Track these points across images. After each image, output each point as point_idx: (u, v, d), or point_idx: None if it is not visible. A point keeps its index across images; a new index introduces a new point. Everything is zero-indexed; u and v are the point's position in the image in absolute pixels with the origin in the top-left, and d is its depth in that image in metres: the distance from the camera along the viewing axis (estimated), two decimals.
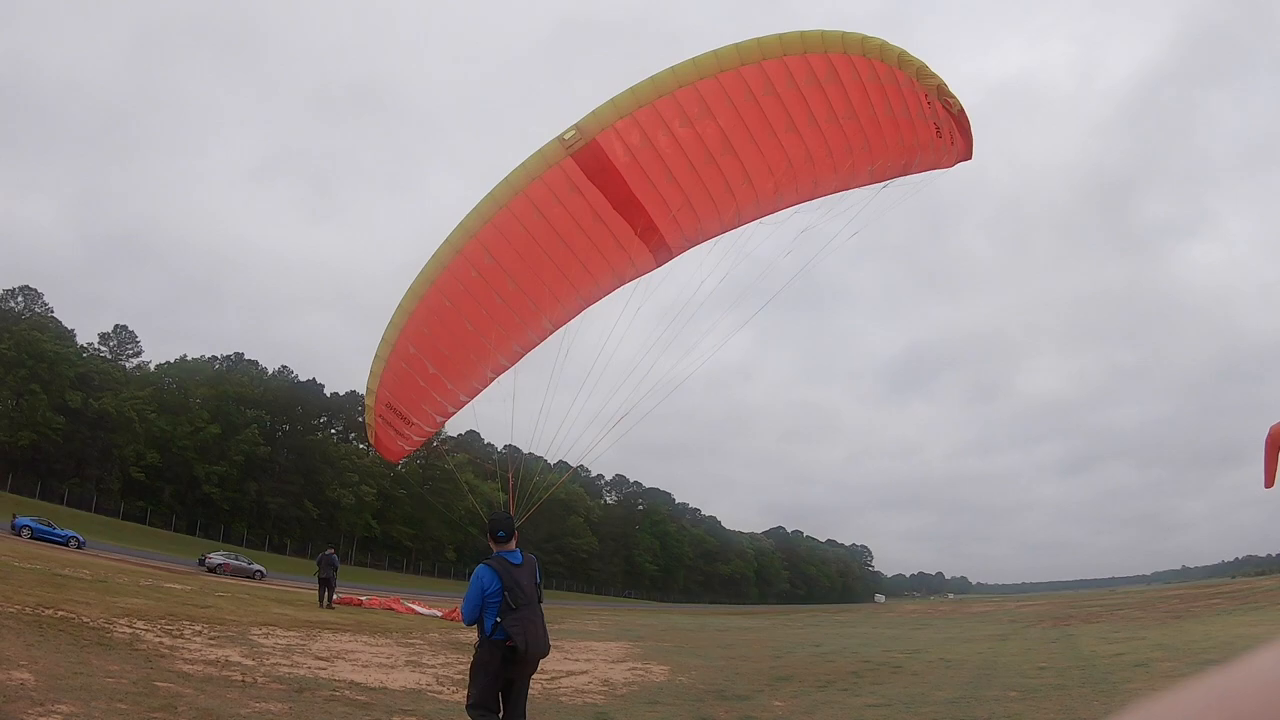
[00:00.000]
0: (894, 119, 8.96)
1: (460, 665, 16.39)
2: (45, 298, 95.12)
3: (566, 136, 9.18)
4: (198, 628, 17.60)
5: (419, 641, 21.87)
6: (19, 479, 79.49)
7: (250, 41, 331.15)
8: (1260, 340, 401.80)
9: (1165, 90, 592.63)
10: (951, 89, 8.41)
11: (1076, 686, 14.50)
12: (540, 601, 7.78)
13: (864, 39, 8.58)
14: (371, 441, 11.21)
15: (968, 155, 9.17)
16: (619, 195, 9.42)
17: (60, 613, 15.58)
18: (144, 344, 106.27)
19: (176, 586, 29.29)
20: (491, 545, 7.86)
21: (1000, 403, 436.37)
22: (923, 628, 40.21)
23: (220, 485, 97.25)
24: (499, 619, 7.36)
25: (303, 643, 18.00)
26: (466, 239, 9.66)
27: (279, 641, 17.57)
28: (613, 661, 20.73)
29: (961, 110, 8.53)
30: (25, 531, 49.94)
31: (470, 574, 7.82)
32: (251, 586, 39.19)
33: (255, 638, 17.63)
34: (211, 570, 54.18)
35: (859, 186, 9.74)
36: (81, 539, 52.97)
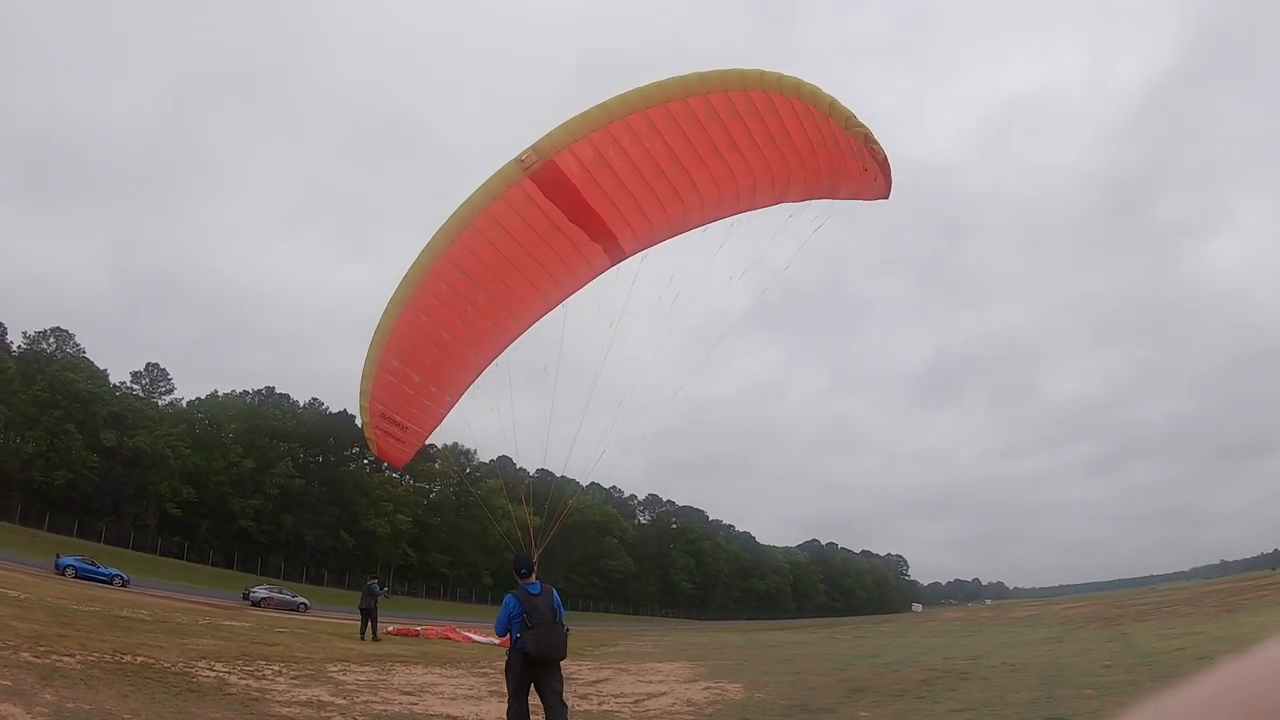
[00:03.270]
0: (825, 148, 10.05)
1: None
2: (76, 338, 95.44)
3: (524, 159, 10.05)
4: (275, 667, 16.99)
5: (491, 670, 21.22)
6: (56, 518, 79.54)
7: (283, 89, 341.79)
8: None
9: (1175, 92, 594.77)
10: (876, 137, 9.50)
11: (1148, 682, 14.66)
12: (557, 622, 9.75)
13: (799, 84, 9.74)
14: (375, 452, 11.79)
15: (885, 195, 10.22)
16: (575, 207, 10.34)
17: (139, 658, 15.08)
18: (175, 381, 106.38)
19: (235, 624, 28.73)
20: (517, 579, 9.95)
21: (1027, 406, 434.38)
22: (972, 635, 39.95)
23: (256, 519, 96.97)
24: (520, 634, 9.51)
25: (382, 678, 17.50)
26: (436, 258, 10.50)
27: (359, 678, 16.97)
28: (685, 682, 20.63)
29: (885, 158, 9.64)
30: (70, 571, 49.77)
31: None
32: (309, 621, 38.50)
33: (335, 675, 17.03)
34: (255, 604, 53.82)
35: (793, 200, 10.86)
36: (126, 577, 52.79)
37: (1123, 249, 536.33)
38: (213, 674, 14.68)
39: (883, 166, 9.68)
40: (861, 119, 9.60)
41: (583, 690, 17.73)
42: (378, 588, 31.43)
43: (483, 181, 10.36)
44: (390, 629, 34.59)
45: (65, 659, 13.40)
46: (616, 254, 11.03)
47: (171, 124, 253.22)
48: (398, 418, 11.13)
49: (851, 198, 10.51)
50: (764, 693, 17.97)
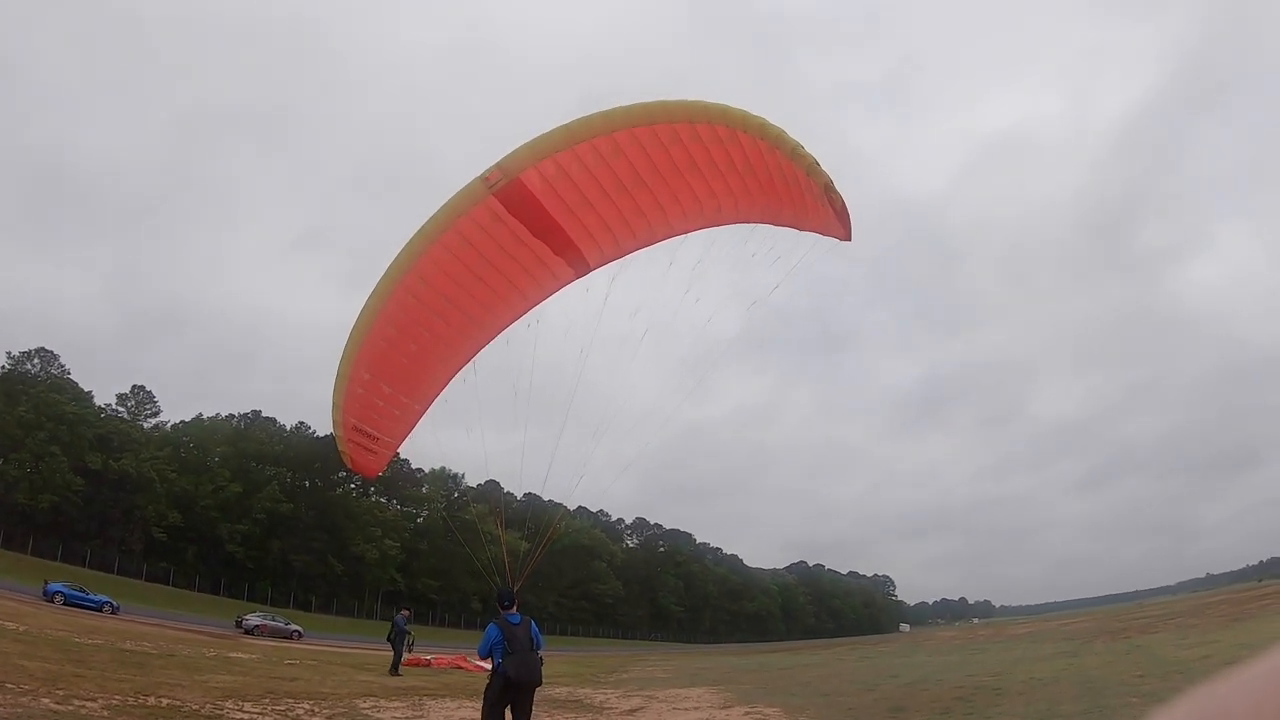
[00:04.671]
0: (785, 182, 10.32)
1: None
2: (61, 359, 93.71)
3: (489, 178, 10.29)
4: (306, 705, 16.36)
5: None
6: (40, 542, 77.62)
7: (291, 124, 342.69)
8: (1263, 348, 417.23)
9: (1154, 123, 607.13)
10: (836, 186, 9.94)
11: (1193, 687, 14.36)
12: (534, 649, 10.71)
13: (764, 124, 10.07)
14: (348, 465, 11.88)
15: (846, 238, 10.55)
16: (539, 223, 10.62)
17: (164, 700, 14.45)
18: (161, 404, 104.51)
19: (242, 656, 27.86)
20: (500, 610, 10.90)
21: (1015, 427, 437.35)
22: (980, 652, 40.04)
23: (244, 544, 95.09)
24: (501, 659, 10.43)
25: (417, 714, 17.07)
26: (404, 273, 10.73)
27: (395, 715, 16.44)
28: (720, 708, 20.47)
29: (843, 205, 10.02)
30: (58, 598, 48.68)
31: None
32: (315, 651, 37.36)
33: (368, 712, 16.39)
34: (248, 632, 52.90)
35: (755, 223, 11.19)
36: (115, 604, 51.72)
37: (1106, 273, 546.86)
38: (244, 715, 14.01)
39: (840, 214, 10.05)
40: (837, 170, 10.11)
41: None
42: (404, 621, 29.74)
43: (448, 199, 10.64)
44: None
45: (88, 703, 12.80)
46: (581, 267, 11.34)
47: (177, 156, 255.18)
48: (369, 429, 11.36)
49: (818, 232, 10.81)
50: (806, 716, 17.86)
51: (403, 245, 10.83)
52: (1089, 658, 26.65)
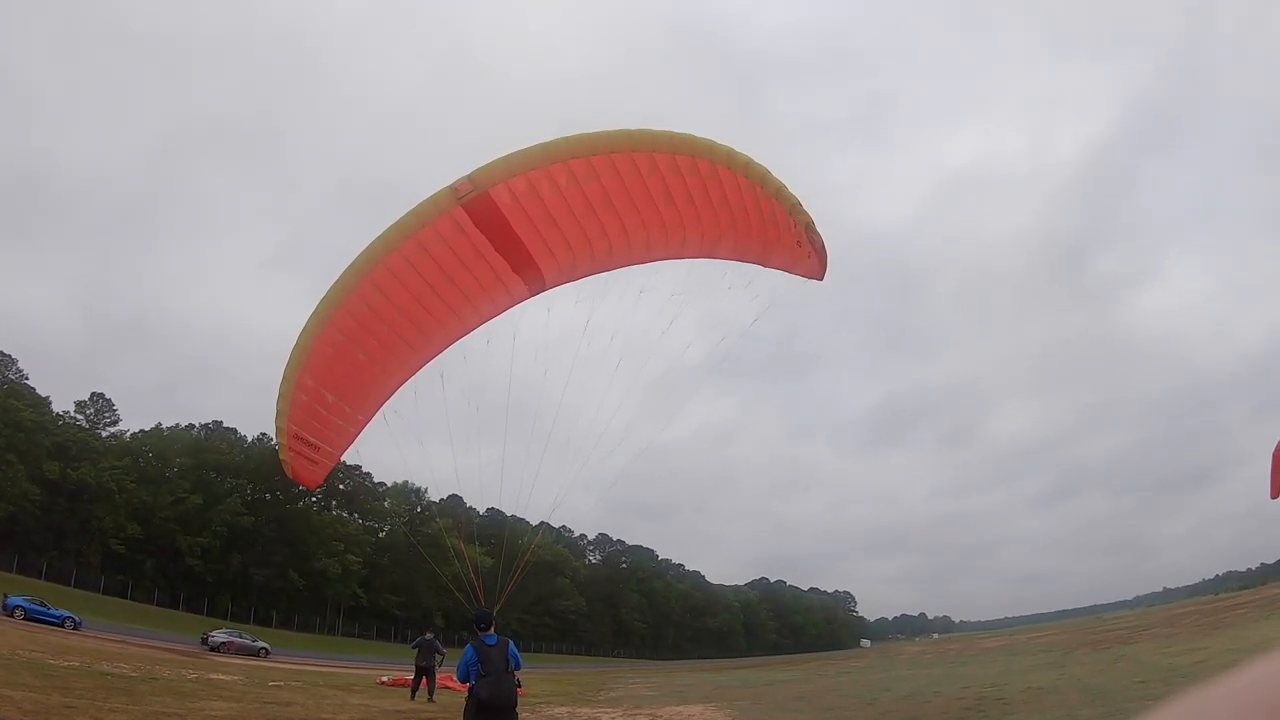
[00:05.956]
0: (760, 220, 10.58)
1: None
2: (20, 364, 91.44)
3: (459, 188, 10.21)
4: None
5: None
6: None
7: (268, 143, 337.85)
8: (1212, 371, 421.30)
9: (1109, 161, 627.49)
10: (816, 226, 10.39)
11: (1173, 697, 14.96)
12: (509, 671, 10.57)
13: (748, 162, 10.28)
14: (289, 474, 11.66)
15: (819, 276, 10.95)
16: (502, 238, 10.59)
17: None
18: (121, 414, 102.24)
19: (225, 678, 27.00)
20: (476, 631, 10.77)
21: (973, 447, 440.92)
22: (961, 665, 40.43)
23: (203, 557, 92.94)
24: (475, 682, 10.38)
25: None
26: (359, 279, 10.56)
27: None
28: None
29: (823, 245, 10.41)
30: (19, 612, 47.13)
31: (461, 642, 11.06)
32: (296, 672, 36.09)
33: None
34: (214, 649, 51.56)
35: (721, 258, 11.43)
36: (78, 619, 50.16)
37: (1062, 302, 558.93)
38: None
39: (820, 253, 10.39)
40: (806, 201, 10.49)
41: None
42: (438, 642, 27.72)
43: (413, 206, 10.53)
44: (384, 679, 32.97)
45: None
46: (537, 285, 11.37)
47: (157, 168, 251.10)
48: (310, 438, 11.17)
49: (783, 269, 11.10)
50: None
51: (360, 250, 10.75)
52: (1077, 667, 26.93)
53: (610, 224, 10.71)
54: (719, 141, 10.43)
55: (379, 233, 10.67)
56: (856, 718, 20.24)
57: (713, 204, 10.52)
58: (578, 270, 11.38)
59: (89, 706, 15.40)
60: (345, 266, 10.78)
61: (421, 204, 10.46)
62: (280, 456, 11.28)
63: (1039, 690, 20.62)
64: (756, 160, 10.36)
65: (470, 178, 10.25)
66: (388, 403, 11.65)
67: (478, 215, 10.31)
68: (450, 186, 10.29)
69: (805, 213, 10.15)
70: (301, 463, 11.21)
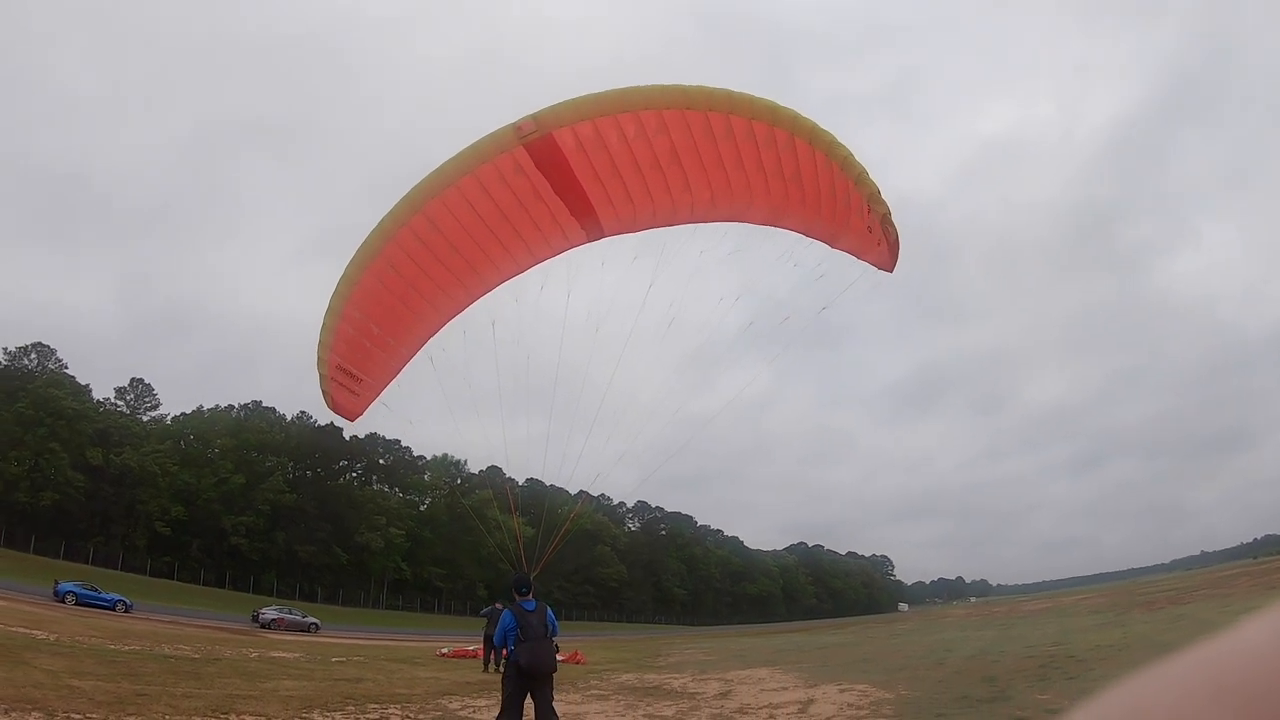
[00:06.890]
0: (834, 200, 10.14)
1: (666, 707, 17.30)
2: (59, 354, 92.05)
3: (522, 126, 9.79)
4: (393, 710, 15.26)
5: (601, 687, 21.13)
6: (42, 541, 76.32)
7: (303, 134, 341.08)
8: (1246, 334, 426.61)
9: (1141, 129, 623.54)
10: (893, 219, 9.80)
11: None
12: (548, 636, 10.68)
13: (832, 143, 9.82)
14: (329, 405, 11.18)
15: (889, 269, 10.40)
16: (563, 182, 10.20)
17: (245, 716, 13.15)
18: (160, 398, 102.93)
19: (287, 655, 26.67)
20: (515, 596, 10.97)
21: (1006, 413, 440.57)
22: (1011, 626, 39.99)
23: (248, 536, 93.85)
24: (514, 646, 10.47)
25: None
26: (413, 212, 10.27)
27: (489, 714, 15.20)
28: (807, 686, 19.99)
29: (897, 238, 9.87)
30: (70, 598, 47.30)
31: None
32: (355, 647, 35.87)
33: (463, 714, 15.28)
34: (265, 626, 51.76)
35: (785, 229, 11.04)
36: (129, 602, 50.41)
37: (1094, 268, 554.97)
38: None
39: (892, 246, 9.95)
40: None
41: (721, 707, 16.61)
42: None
43: (473, 141, 10.15)
44: (444, 650, 32.57)
45: None
46: (595, 232, 11.07)
47: (194, 165, 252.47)
48: (353, 369, 11.02)
49: (851, 253, 10.68)
50: (905, 690, 17.43)
51: (416, 182, 10.39)
52: (1137, 626, 26.61)
53: (674, 181, 10.38)
54: (802, 114, 9.93)
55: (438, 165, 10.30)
56: (930, 675, 19.67)
57: (784, 177, 10.19)
58: (638, 223, 11.09)
59: (161, 693, 14.74)
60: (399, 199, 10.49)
61: (481, 140, 10.08)
62: (321, 387, 10.91)
63: (1109, 649, 20.27)
64: (842, 142, 9.89)
65: (535, 117, 9.82)
66: (431, 339, 11.52)
67: (539, 156, 9.97)
68: (513, 125, 9.87)
69: (884, 203, 9.70)
70: (343, 394, 11.00)
